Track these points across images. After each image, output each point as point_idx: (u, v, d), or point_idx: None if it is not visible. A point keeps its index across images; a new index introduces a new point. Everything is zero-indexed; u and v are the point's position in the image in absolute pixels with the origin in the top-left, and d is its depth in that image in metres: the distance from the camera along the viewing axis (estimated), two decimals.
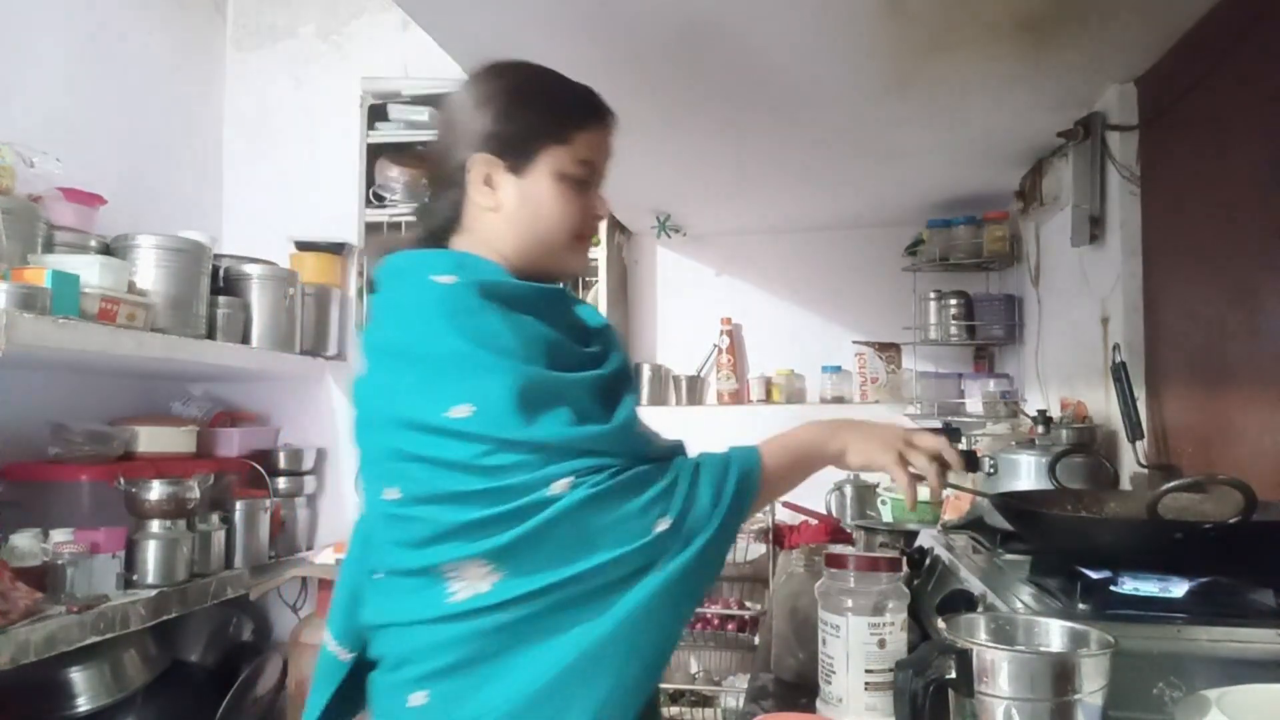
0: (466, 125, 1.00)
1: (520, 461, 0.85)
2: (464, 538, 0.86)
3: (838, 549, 1.37)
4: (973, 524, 1.60)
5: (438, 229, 1.04)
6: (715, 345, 3.26)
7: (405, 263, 0.97)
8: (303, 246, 3.23)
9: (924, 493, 2.39)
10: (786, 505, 2.07)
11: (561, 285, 1.06)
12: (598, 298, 3.18)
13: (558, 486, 0.85)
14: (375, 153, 3.23)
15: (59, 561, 2.10)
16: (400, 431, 0.89)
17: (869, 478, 2.53)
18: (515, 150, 0.99)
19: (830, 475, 2.52)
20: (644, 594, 0.86)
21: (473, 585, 0.86)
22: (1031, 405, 2.41)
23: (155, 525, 2.41)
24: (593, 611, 0.86)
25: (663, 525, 0.87)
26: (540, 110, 1.00)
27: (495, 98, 1.00)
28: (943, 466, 1.01)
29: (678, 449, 1.01)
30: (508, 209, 0.99)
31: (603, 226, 2.96)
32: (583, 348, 0.99)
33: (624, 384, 1.01)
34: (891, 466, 1.00)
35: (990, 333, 2.73)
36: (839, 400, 3.04)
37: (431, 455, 0.87)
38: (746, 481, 0.94)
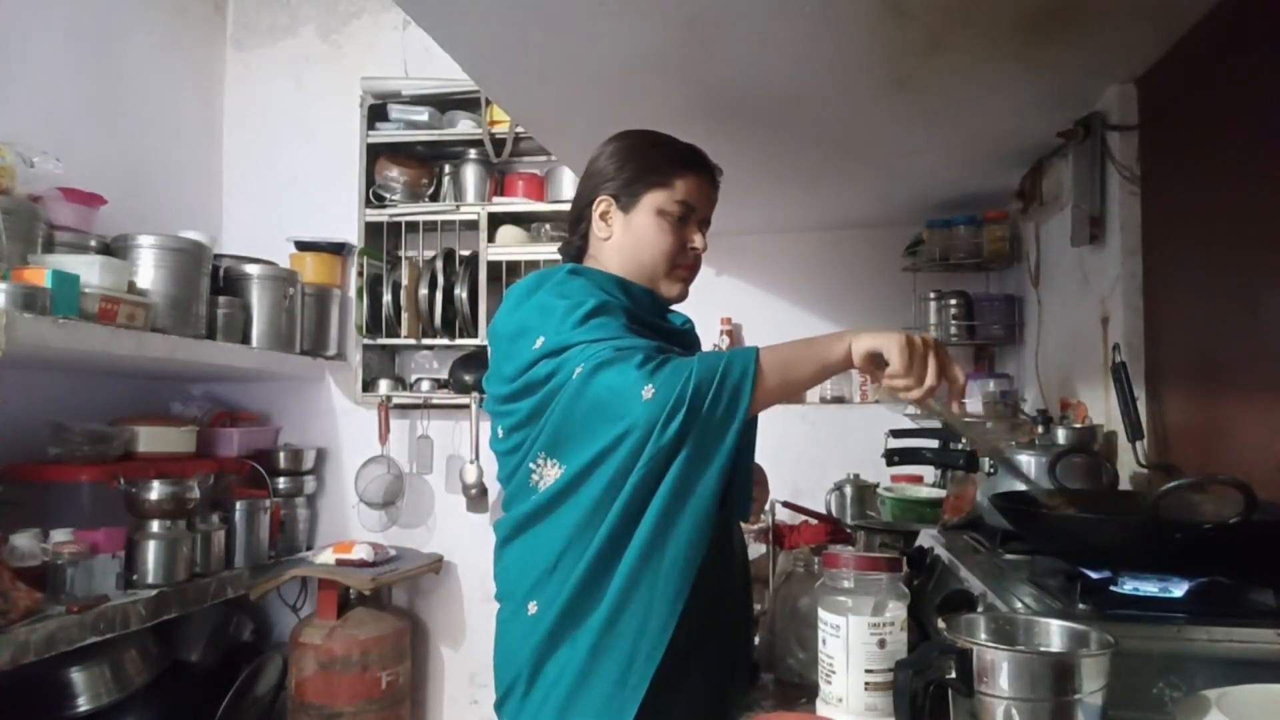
0: (594, 174, 1.28)
1: (563, 361, 1.06)
2: (535, 442, 1.10)
3: (837, 549, 1.37)
4: (973, 524, 1.60)
5: (572, 259, 1.32)
6: (715, 345, 3.25)
7: (531, 275, 1.24)
8: (303, 246, 3.22)
9: (925, 492, 2.40)
10: (786, 505, 2.07)
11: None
12: None
13: (577, 371, 1.04)
14: (375, 153, 3.22)
15: (59, 561, 2.10)
16: (504, 384, 1.15)
17: (868, 477, 2.52)
18: (626, 191, 1.25)
19: (830, 475, 2.54)
20: (664, 477, 1.00)
21: (548, 479, 1.10)
22: (1031, 405, 2.41)
23: (155, 525, 2.41)
24: (633, 504, 1.02)
25: (649, 392, 0.99)
26: (647, 161, 1.26)
27: (617, 153, 1.28)
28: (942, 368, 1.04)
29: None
30: (616, 238, 1.26)
31: None
32: (659, 321, 1.25)
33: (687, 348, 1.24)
34: (894, 344, 1.02)
35: (990, 333, 2.73)
36: (839, 400, 3.04)
37: (520, 385, 1.11)
38: (739, 368, 1.02)
